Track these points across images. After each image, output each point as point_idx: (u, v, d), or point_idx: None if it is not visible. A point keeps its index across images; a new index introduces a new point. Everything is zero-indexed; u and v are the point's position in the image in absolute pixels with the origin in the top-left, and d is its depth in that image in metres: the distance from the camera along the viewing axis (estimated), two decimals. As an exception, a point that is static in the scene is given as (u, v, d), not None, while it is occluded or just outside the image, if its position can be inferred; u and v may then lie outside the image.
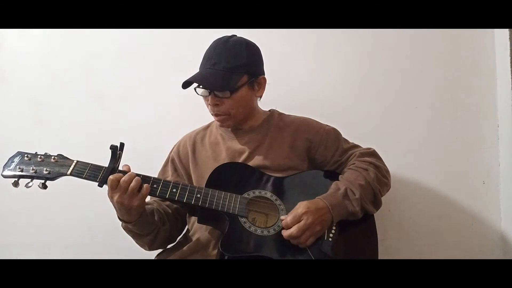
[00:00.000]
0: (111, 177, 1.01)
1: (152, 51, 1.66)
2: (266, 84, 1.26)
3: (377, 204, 1.17)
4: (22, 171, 1.03)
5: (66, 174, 1.05)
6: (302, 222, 1.04)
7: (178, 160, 1.29)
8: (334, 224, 1.10)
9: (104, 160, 1.05)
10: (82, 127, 1.65)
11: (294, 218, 1.05)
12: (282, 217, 1.08)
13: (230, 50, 1.17)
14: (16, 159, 1.06)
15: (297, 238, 1.04)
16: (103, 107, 1.66)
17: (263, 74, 1.25)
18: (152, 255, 1.24)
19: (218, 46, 1.19)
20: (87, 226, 1.61)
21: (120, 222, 1.10)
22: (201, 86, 1.17)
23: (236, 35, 1.23)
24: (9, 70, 1.70)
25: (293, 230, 1.04)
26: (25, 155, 1.06)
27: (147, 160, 1.31)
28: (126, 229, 1.11)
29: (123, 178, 1.01)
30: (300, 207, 1.07)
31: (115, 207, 1.06)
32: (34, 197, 1.53)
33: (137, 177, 1.03)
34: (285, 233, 1.05)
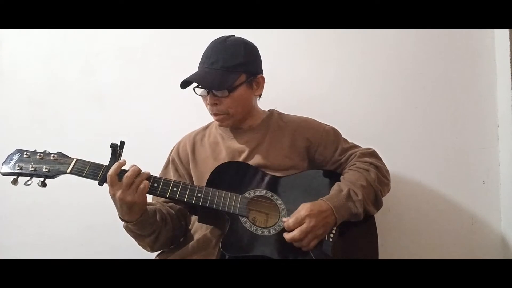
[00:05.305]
0: (110, 172, 1.00)
1: (152, 51, 1.66)
2: (266, 84, 1.26)
3: (378, 205, 1.17)
4: (21, 169, 1.01)
5: (65, 172, 1.03)
6: (304, 225, 1.03)
7: (179, 161, 1.29)
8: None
9: (104, 160, 1.05)
10: (82, 127, 1.65)
11: (296, 221, 1.04)
12: (284, 219, 1.07)
13: (228, 50, 1.17)
14: (15, 157, 1.04)
15: (299, 241, 1.03)
16: (103, 107, 1.66)
17: (262, 73, 1.25)
18: (152, 255, 1.24)
19: (216, 46, 1.19)
20: (87, 226, 1.61)
21: (122, 223, 1.09)
22: (200, 86, 1.17)
23: (234, 35, 1.23)
24: (9, 70, 1.70)
25: (295, 233, 1.03)
26: (24, 153, 1.05)
27: (146, 160, 1.30)
28: (127, 229, 1.10)
29: (126, 174, 1.00)
30: (303, 209, 1.06)
31: (116, 205, 1.04)
32: (34, 197, 1.53)
33: (142, 173, 1.03)
34: (287, 236, 1.04)
